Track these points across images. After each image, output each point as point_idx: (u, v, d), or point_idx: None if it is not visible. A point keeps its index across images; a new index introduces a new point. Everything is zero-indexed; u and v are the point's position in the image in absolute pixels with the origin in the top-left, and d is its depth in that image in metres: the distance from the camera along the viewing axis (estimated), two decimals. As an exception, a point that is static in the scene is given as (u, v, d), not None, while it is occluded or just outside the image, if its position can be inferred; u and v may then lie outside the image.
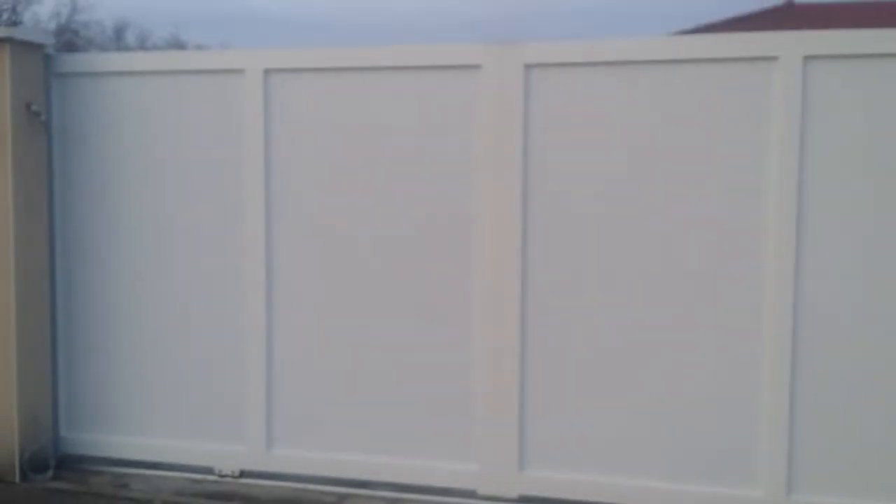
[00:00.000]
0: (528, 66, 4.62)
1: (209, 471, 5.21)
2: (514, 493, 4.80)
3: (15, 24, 31.54)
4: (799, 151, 4.31)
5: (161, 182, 5.21)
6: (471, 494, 4.86)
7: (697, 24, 19.43)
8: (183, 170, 5.18)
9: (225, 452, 5.18)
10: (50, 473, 5.20)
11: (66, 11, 39.65)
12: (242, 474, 5.17)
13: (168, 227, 5.22)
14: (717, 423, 4.55)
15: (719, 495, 4.55)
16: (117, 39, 49.22)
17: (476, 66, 4.69)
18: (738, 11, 20.13)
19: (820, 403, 4.41)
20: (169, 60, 5.34)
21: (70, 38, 41.02)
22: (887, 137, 4.27)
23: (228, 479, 5.17)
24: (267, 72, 4.94)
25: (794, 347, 4.39)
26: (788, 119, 4.31)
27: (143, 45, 49.23)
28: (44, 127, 5.22)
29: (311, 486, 5.05)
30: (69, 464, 5.36)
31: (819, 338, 4.38)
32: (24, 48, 5.11)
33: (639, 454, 4.65)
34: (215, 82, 5.08)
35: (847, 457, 4.41)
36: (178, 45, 48.97)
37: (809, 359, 4.40)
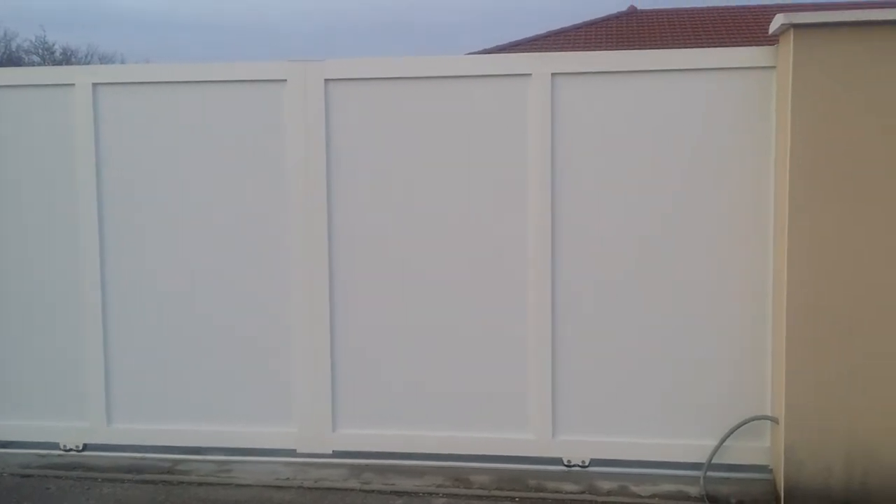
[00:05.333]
0: (328, 80, 5.35)
1: (55, 446, 5.75)
2: (328, 450, 5.54)
3: None
4: (550, 150, 5.19)
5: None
6: (291, 453, 5.57)
7: (550, 29, 20.55)
8: (19, 173, 5.68)
9: (69, 429, 5.74)
10: None
11: (-77, 12, 38.10)
12: (86, 448, 5.73)
13: (5, 225, 5.72)
14: (495, 379, 5.38)
15: (500, 440, 5.40)
16: (-21, 41, 47.43)
17: (282, 81, 5.40)
18: (588, 16, 21.37)
19: (575, 361, 5.30)
20: (6, 76, 5.81)
21: (-72, 39, 39.39)
22: (617, 136, 5.19)
23: (73, 453, 5.73)
24: (95, 85, 5.52)
25: (553, 322, 5.28)
26: (541, 124, 5.19)
27: (7, 47, 47.63)
28: None
29: (149, 455, 5.65)
30: (-78, 447, 5.80)
31: (572, 309, 5.28)
32: None
33: (431, 408, 5.44)
34: (50, 95, 5.61)
35: (598, 402, 5.31)
36: (45, 46, 47.66)
37: (563, 333, 5.29)
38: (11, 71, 6.31)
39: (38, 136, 5.65)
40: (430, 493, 5.07)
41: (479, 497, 5.04)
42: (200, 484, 5.25)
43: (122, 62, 46.09)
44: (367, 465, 5.45)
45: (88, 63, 46.57)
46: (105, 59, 47.75)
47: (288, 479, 5.30)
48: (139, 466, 5.53)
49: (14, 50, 47.32)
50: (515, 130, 5.25)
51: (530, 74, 5.19)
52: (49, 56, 46.10)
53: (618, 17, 21.09)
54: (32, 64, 44.70)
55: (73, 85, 5.54)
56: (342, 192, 5.41)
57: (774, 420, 5.04)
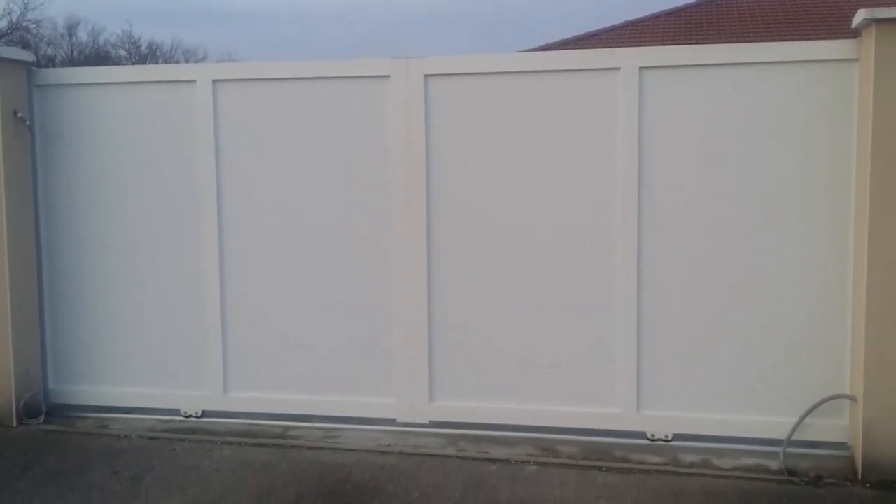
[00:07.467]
0: (428, 76, 5.74)
1: (176, 412, 6.29)
2: (425, 420, 5.95)
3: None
4: (638, 139, 5.49)
5: (125, 176, 6.25)
6: (391, 422, 6.01)
7: (627, 20, 20.59)
8: (144, 164, 6.21)
9: (189, 397, 6.27)
10: (41, 418, 6.23)
11: (18, 9, 39.87)
12: (204, 414, 6.26)
13: (132, 212, 6.26)
14: (583, 356, 5.73)
15: (587, 413, 5.74)
16: (69, 36, 49.38)
17: (386, 76, 5.80)
18: (666, 6, 21.31)
19: (659, 340, 5.60)
20: (130, 73, 6.37)
21: (22, 36, 41.15)
22: (700, 126, 5.47)
23: (192, 419, 6.26)
24: (215, 82, 6.01)
25: (638, 302, 5.59)
26: (629, 115, 5.49)
27: (95, 42, 49.47)
28: (28, 130, 6.23)
29: (261, 422, 6.15)
30: (58, 411, 6.40)
31: (657, 290, 5.58)
32: (10, 64, 6.12)
33: (522, 382, 5.81)
34: (170, 91, 6.13)
35: (681, 379, 5.61)
36: (130, 40, 49.33)
37: (648, 312, 5.59)
38: (137, 68, 6.88)
39: (161, 129, 6.16)
40: (522, 462, 5.43)
41: (568, 466, 5.37)
42: (311, 448, 5.71)
43: (206, 56, 47.52)
44: (461, 435, 5.84)
45: (173, 57, 48.06)
46: (188, 53, 49.24)
47: (389, 445, 5.73)
48: (253, 431, 6.03)
49: (102, 44, 49.13)
50: (604, 121, 5.55)
51: (619, 69, 5.49)
52: (135, 50, 47.71)
53: (697, 5, 21.01)
54: (119, 57, 46.38)
55: (195, 81, 6.04)
56: (439, 177, 5.79)
57: (853, 399, 5.25)
